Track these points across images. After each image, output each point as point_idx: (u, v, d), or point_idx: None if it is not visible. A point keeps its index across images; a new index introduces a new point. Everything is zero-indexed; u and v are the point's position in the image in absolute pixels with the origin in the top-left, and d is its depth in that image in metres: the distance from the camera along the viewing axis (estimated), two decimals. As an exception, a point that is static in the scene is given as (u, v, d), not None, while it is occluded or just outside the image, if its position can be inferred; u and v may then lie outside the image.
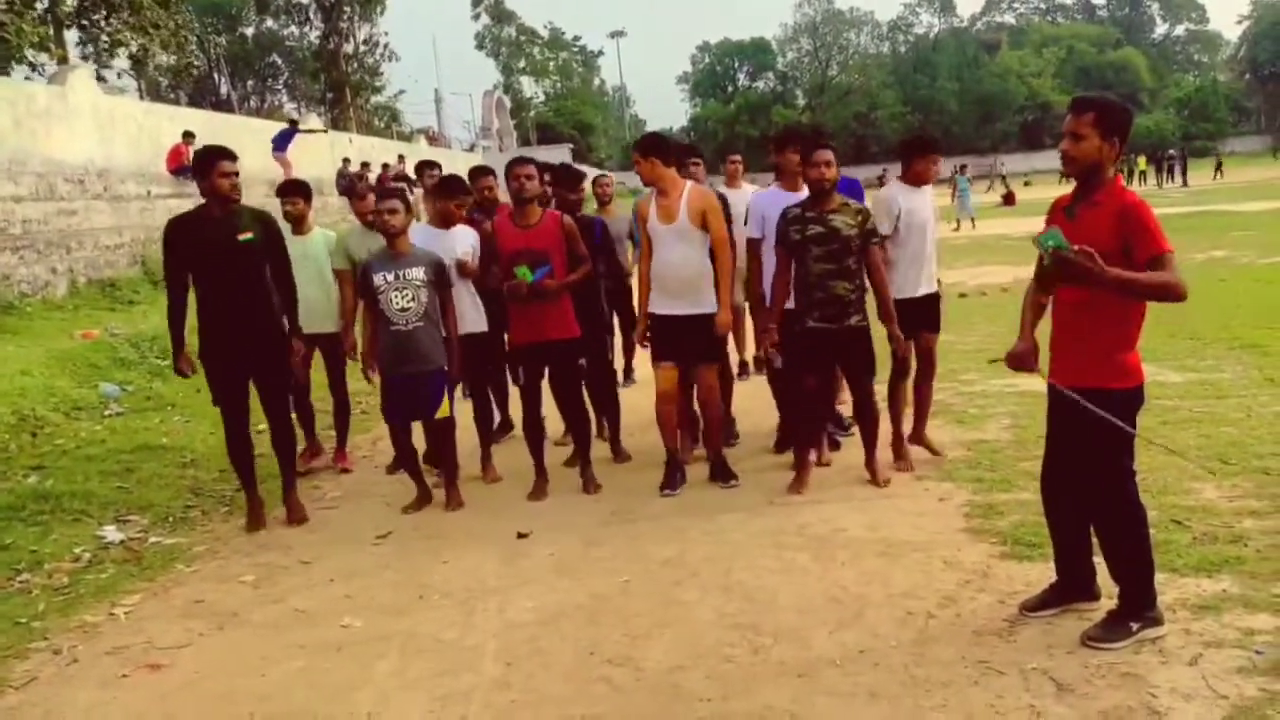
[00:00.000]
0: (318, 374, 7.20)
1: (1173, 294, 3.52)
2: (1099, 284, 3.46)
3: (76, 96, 18.06)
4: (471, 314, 6.42)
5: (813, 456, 6.18)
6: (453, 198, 6.46)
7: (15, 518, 5.86)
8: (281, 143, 23.38)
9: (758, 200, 6.56)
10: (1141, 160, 48.44)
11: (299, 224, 6.91)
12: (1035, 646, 3.78)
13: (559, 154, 42.89)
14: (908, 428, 6.39)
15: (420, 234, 6.38)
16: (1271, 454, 5.79)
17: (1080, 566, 4.03)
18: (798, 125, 63.99)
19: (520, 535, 5.48)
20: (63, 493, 6.21)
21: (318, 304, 6.71)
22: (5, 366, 8.36)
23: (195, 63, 61.17)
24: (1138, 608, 3.78)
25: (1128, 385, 3.67)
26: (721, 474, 6.21)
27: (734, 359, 7.92)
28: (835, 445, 6.77)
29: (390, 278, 5.75)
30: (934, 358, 6.39)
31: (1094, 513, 3.87)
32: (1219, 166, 49.88)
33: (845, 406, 7.17)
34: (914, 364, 6.30)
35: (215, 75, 65.84)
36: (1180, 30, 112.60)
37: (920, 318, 6.18)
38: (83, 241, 13.99)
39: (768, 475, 6.29)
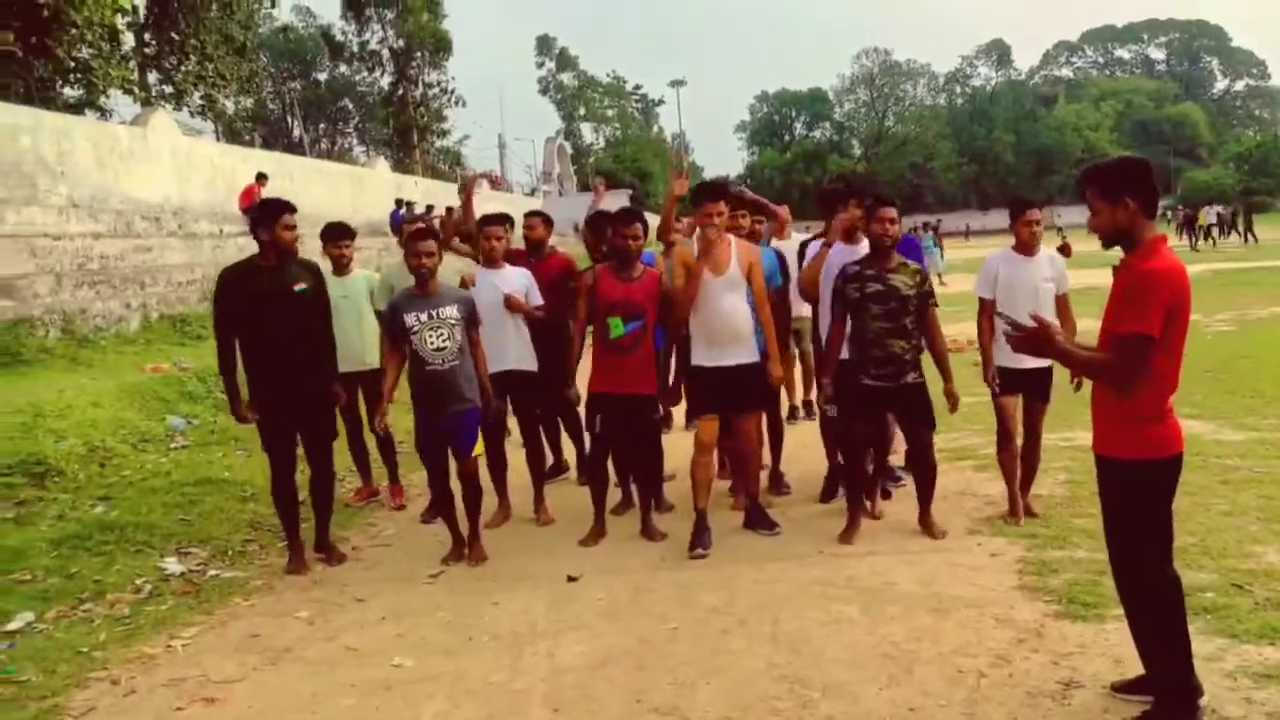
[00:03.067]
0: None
1: (1107, 377, 3.38)
2: (1044, 354, 3.42)
3: (157, 138, 18.60)
4: (523, 352, 6.43)
5: (866, 505, 6.10)
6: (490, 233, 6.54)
7: (81, 547, 5.94)
8: (394, 223, 23.79)
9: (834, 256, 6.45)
10: (1202, 215, 46.07)
11: (343, 267, 7.00)
12: (1091, 712, 3.67)
13: (618, 200, 43.10)
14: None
15: (477, 278, 6.46)
16: (1337, 518, 5.60)
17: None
18: (850, 176, 63.83)
19: (570, 579, 5.45)
20: (127, 523, 6.29)
21: (357, 343, 6.76)
22: (78, 398, 8.53)
23: (268, 107, 63.01)
24: (1172, 708, 3.49)
25: (1154, 457, 3.41)
26: (760, 521, 6.14)
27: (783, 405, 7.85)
28: (887, 495, 6.68)
29: (424, 318, 5.70)
30: (1041, 425, 6.16)
31: (1122, 590, 3.63)
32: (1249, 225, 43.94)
33: (896, 457, 7.07)
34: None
35: (289, 118, 67.42)
36: (1240, 85, 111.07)
37: (1030, 386, 5.98)
38: (156, 277, 14.31)
39: (817, 523, 6.21)
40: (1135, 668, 3.72)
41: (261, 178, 20.04)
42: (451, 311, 5.76)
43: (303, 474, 6.01)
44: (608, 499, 6.34)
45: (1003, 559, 5.39)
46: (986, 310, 5.95)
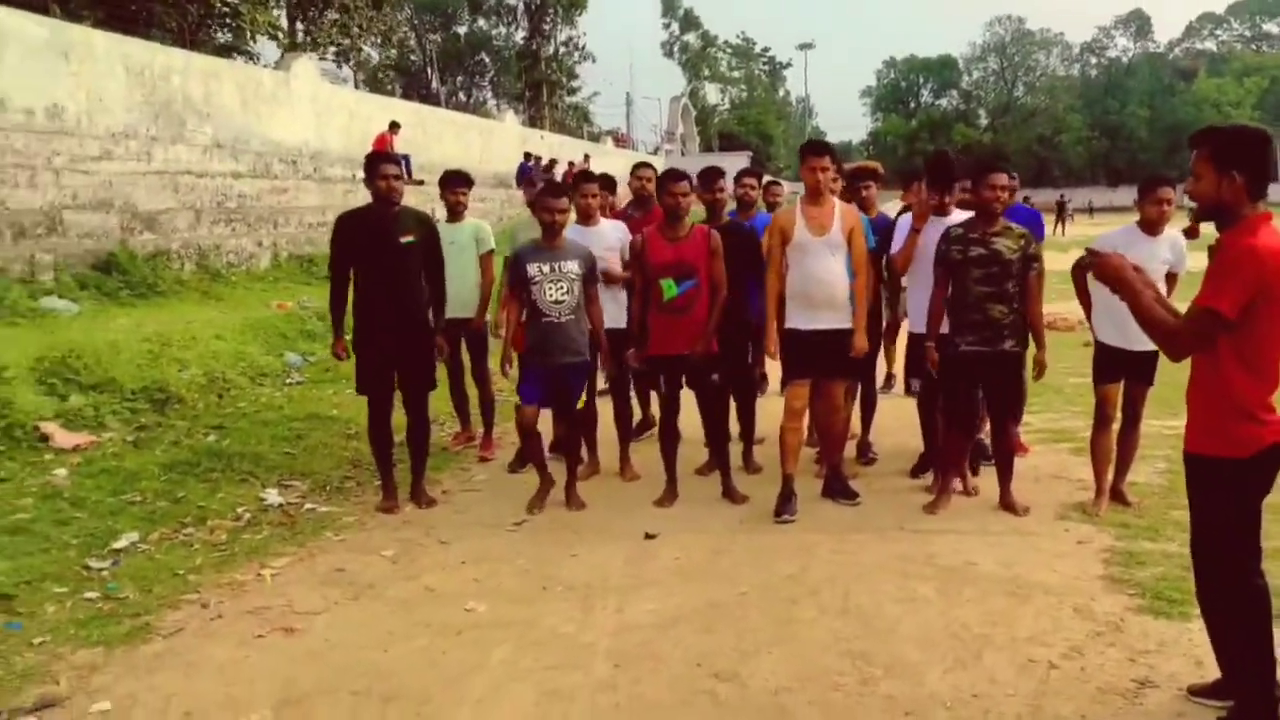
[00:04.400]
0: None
1: (1160, 339, 3.15)
2: (1116, 288, 3.21)
3: (299, 83, 19.02)
4: (612, 309, 6.35)
5: (956, 484, 5.89)
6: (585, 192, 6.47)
7: (190, 473, 6.13)
8: (521, 176, 24.04)
9: (905, 221, 6.24)
10: None
11: (457, 213, 6.98)
12: (1163, 714, 3.44)
13: (739, 160, 42.60)
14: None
15: (569, 231, 6.38)
16: None
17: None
18: (974, 148, 61.65)
19: (648, 536, 5.38)
20: (235, 453, 6.46)
21: (462, 290, 6.72)
22: (204, 330, 8.80)
23: (410, 59, 63.92)
24: (1252, 717, 3.20)
25: (1239, 454, 3.08)
26: (841, 490, 5.97)
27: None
28: (975, 471, 6.41)
29: (546, 269, 5.70)
30: (1141, 410, 5.79)
31: (1203, 596, 3.33)
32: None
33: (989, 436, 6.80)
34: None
35: (428, 70, 68.42)
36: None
37: (1133, 369, 5.62)
38: (289, 218, 14.68)
39: (903, 498, 6.01)
40: (1215, 670, 3.46)
41: (394, 126, 20.34)
42: (573, 266, 5.74)
43: (402, 417, 6.05)
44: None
45: (1089, 547, 5.11)
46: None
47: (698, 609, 4.42)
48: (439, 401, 7.36)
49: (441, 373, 6.45)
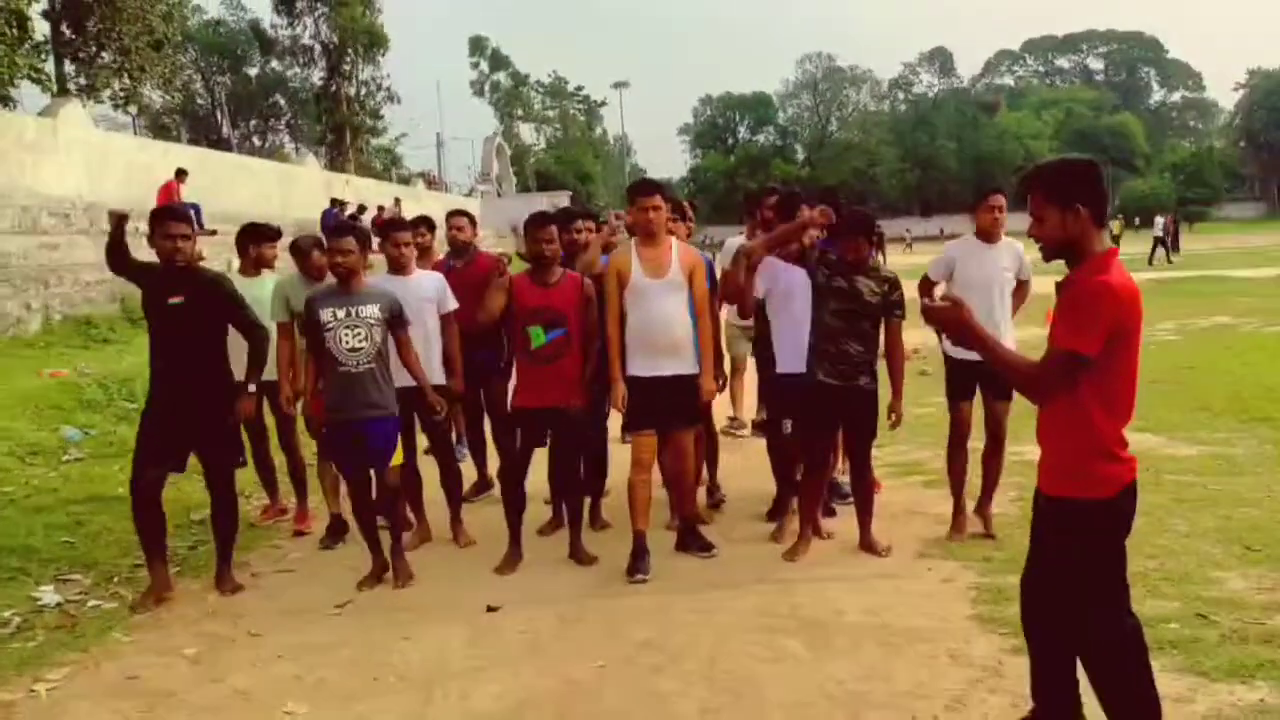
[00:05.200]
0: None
1: (1021, 384, 3.13)
2: (960, 337, 3.18)
3: (67, 130, 17.85)
4: (435, 364, 6.05)
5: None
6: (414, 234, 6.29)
7: (-55, 575, 5.43)
8: (325, 224, 23.17)
9: (768, 261, 6.12)
10: (1116, 225, 45.04)
11: (253, 268, 6.67)
12: (1056, 762, 3.36)
13: (559, 201, 42.86)
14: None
15: (380, 281, 6.08)
16: (1298, 540, 5.40)
17: (1060, 700, 3.37)
18: (793, 183, 64.19)
19: (490, 609, 5.05)
20: (2, 548, 5.77)
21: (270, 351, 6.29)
22: (-41, 407, 7.96)
23: (197, 103, 61.59)
24: None
25: (1102, 495, 3.06)
26: (696, 542, 5.82)
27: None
28: (831, 513, 6.39)
29: (341, 314, 5.35)
30: (1003, 428, 5.89)
31: (1076, 642, 3.25)
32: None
33: (844, 476, 6.81)
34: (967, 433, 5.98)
35: (217, 114, 65.99)
36: (1177, 97, 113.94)
37: (987, 381, 5.70)
38: (62, 277, 13.65)
39: (760, 546, 5.89)
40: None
41: (181, 173, 19.34)
42: (372, 310, 5.40)
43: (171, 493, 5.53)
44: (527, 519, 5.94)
45: (955, 585, 5.11)
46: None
47: (551, 689, 4.14)
48: (244, 472, 6.85)
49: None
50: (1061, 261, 3.13)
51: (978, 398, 5.88)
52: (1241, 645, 4.16)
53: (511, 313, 5.65)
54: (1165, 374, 10.91)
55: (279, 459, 6.80)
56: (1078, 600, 3.15)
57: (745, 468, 7.21)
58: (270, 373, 6.38)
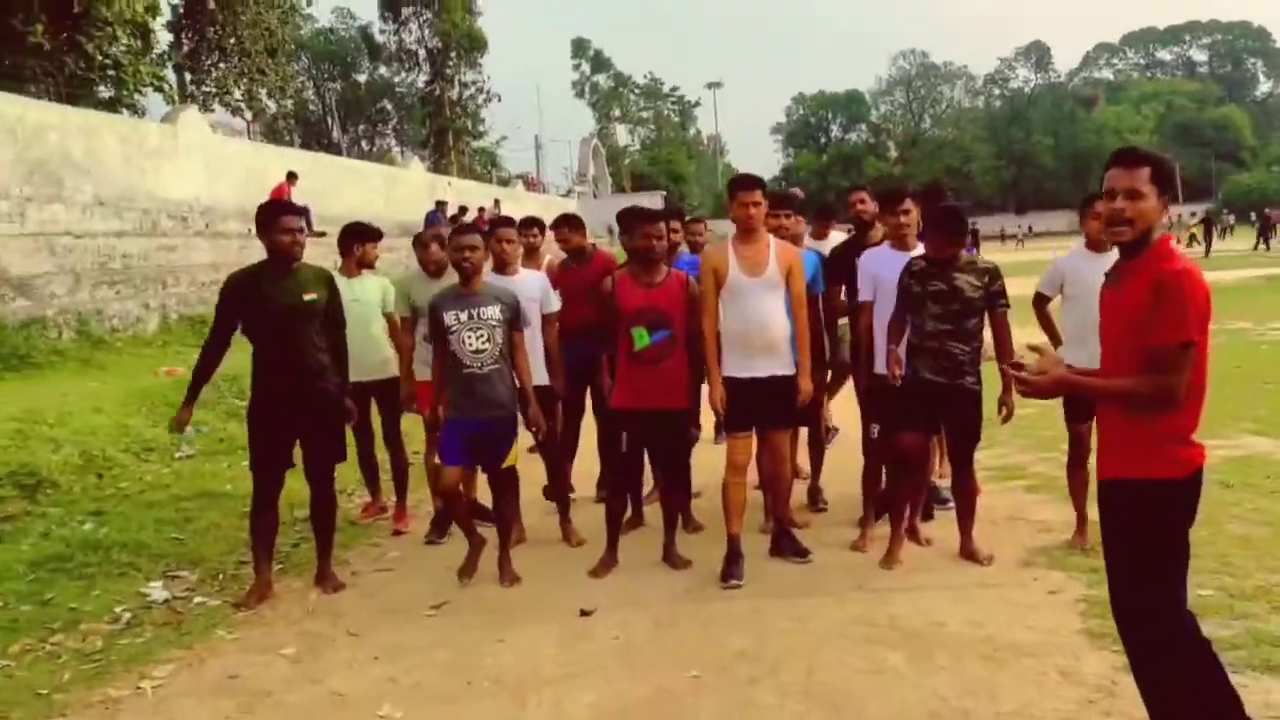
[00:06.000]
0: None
1: (1149, 397, 2.92)
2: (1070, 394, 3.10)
3: (187, 135, 18.33)
4: (537, 364, 5.97)
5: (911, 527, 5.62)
6: (522, 235, 6.18)
7: (61, 569, 5.48)
8: (432, 219, 23.59)
9: (869, 260, 5.86)
10: (1198, 228, 42.91)
11: (355, 268, 6.64)
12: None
13: (653, 201, 42.78)
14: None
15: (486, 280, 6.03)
16: None
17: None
18: (888, 179, 63.18)
19: (584, 613, 4.93)
20: (114, 542, 5.83)
21: (368, 350, 6.32)
22: (80, 404, 8.14)
23: (309, 108, 63.10)
24: None
25: (1177, 475, 2.98)
26: (790, 547, 5.61)
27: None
28: (929, 516, 6.14)
29: (464, 317, 5.30)
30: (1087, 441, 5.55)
31: (1132, 653, 3.10)
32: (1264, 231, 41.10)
33: (942, 480, 6.54)
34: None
35: (328, 119, 67.58)
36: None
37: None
38: (179, 277, 14.00)
39: (856, 553, 5.65)
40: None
41: (292, 176, 19.74)
42: (493, 312, 5.34)
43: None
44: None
45: (1062, 597, 4.81)
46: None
47: (645, 698, 3.99)
48: (346, 469, 6.86)
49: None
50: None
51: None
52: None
53: (615, 313, 5.51)
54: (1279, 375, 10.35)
55: (382, 456, 6.78)
56: (1137, 587, 3.02)
57: (843, 472, 6.97)
58: (379, 371, 6.39)
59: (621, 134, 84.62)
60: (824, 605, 4.89)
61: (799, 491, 6.58)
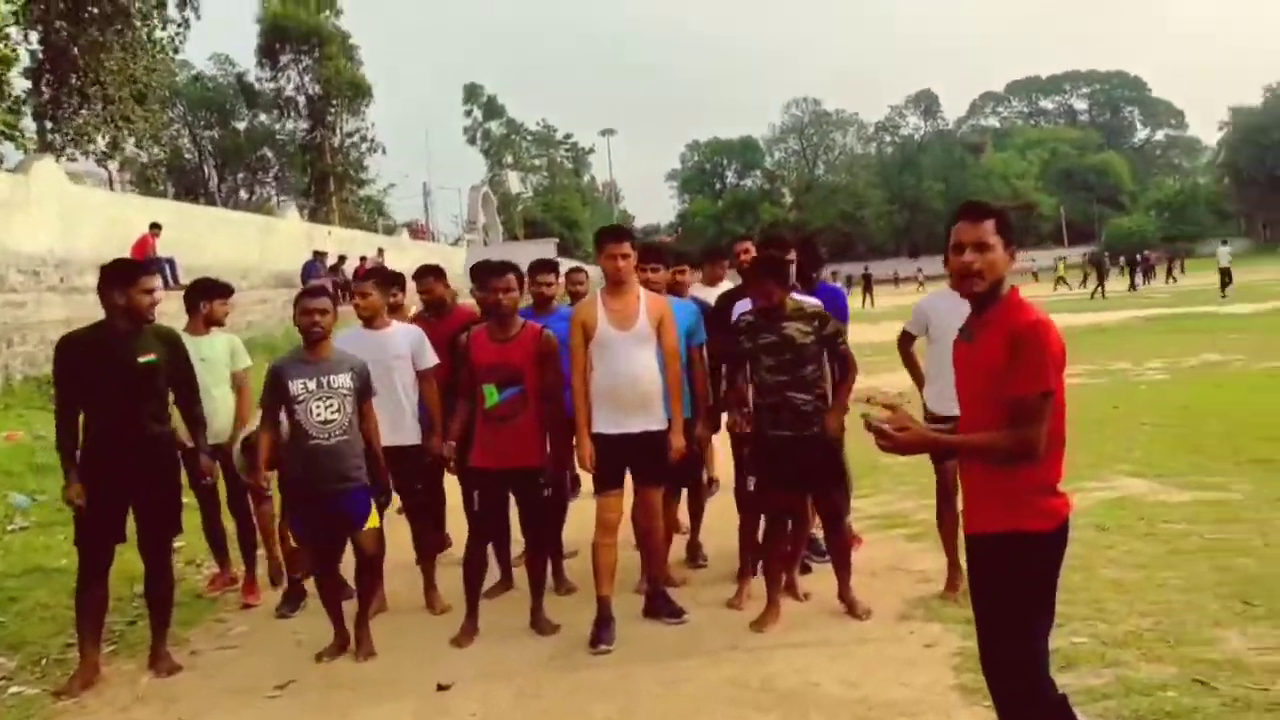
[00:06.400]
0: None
1: (1011, 452, 2.92)
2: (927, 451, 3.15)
3: (40, 185, 17.58)
4: (409, 423, 5.78)
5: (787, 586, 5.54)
6: (384, 291, 5.93)
7: None
8: (307, 275, 23.12)
9: (739, 310, 5.83)
10: (1061, 265, 50.69)
11: (202, 325, 6.39)
12: None
13: (545, 248, 42.81)
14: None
15: (351, 336, 5.86)
16: (1300, 593, 5.10)
17: None
18: (782, 226, 64.54)
19: (441, 687, 4.71)
20: (-75, 628, 5.42)
21: (214, 412, 6.03)
22: (-100, 474, 7.62)
23: (185, 157, 61.59)
24: None
25: (1045, 528, 2.98)
26: (665, 608, 5.49)
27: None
28: (807, 569, 6.09)
29: (312, 385, 5.10)
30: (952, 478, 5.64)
31: (998, 708, 3.12)
32: (1169, 269, 48.66)
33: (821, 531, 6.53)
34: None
35: (204, 167, 66.06)
36: (1160, 135, 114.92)
37: None
38: (26, 335, 13.36)
39: (734, 612, 5.55)
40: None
41: (155, 227, 19.12)
42: (344, 380, 5.15)
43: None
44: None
45: (938, 651, 4.78)
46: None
47: (498, 778, 3.81)
48: (195, 538, 6.55)
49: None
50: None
51: None
52: (1244, 713, 3.86)
53: (469, 369, 5.38)
54: (1156, 415, 10.68)
55: (229, 525, 6.47)
56: (1001, 641, 3.03)
57: (725, 525, 6.89)
58: (222, 434, 6.13)
59: (514, 181, 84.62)
60: (697, 667, 4.78)
61: (678, 546, 6.48)
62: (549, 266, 6.58)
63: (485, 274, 5.46)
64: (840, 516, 5.45)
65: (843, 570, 5.45)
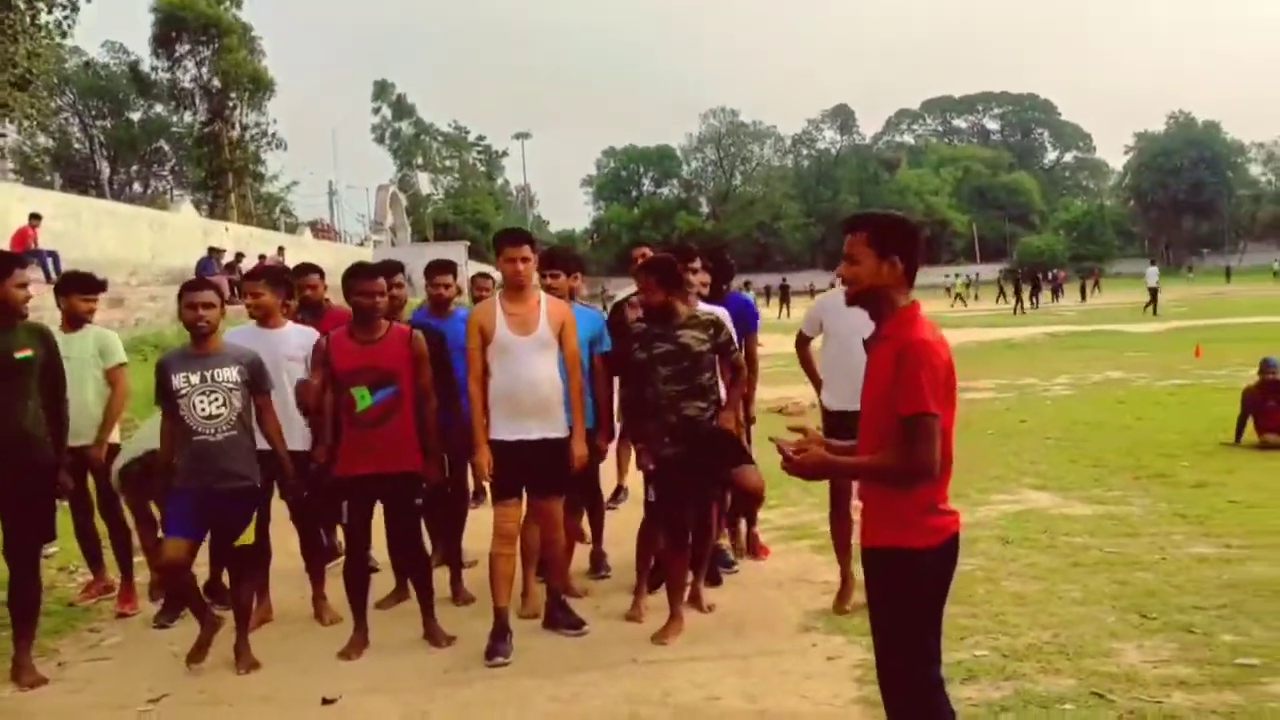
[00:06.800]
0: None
1: (902, 475, 2.95)
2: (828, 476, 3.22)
3: (-92, 172, 16.89)
4: (298, 428, 5.63)
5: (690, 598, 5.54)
6: (273, 291, 5.77)
7: None
8: (201, 272, 22.36)
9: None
10: (960, 284, 52.74)
11: (78, 322, 6.12)
12: None
13: (456, 251, 42.46)
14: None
15: (242, 334, 5.69)
16: (1194, 606, 5.25)
17: None
18: (697, 235, 64.97)
19: (326, 701, 4.59)
20: None
21: (82, 411, 5.78)
22: None
23: (74, 147, 59.76)
24: None
25: (929, 544, 3.02)
26: (564, 620, 5.44)
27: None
28: (716, 581, 6.10)
29: (195, 379, 4.94)
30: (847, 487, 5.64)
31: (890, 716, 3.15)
32: (1083, 287, 51.53)
33: (726, 542, 6.55)
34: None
35: (95, 158, 64.17)
36: (1069, 157, 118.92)
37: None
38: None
39: (635, 624, 5.51)
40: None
41: (35, 218, 18.47)
42: (230, 373, 5.00)
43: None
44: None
45: (841, 663, 4.80)
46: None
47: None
48: (66, 541, 6.29)
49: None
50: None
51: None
52: (1140, 726, 3.95)
53: (330, 375, 5.26)
54: (1061, 430, 10.96)
55: (102, 530, 6.23)
56: (891, 655, 3.09)
57: (628, 536, 6.86)
58: (89, 436, 5.90)
59: (424, 182, 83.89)
60: (595, 681, 4.73)
61: (580, 557, 6.43)
62: (446, 267, 6.50)
63: (356, 277, 5.31)
64: (709, 507, 5.55)
65: (700, 563, 5.61)
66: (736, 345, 5.47)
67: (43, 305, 8.13)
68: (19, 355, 4.92)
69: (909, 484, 2.95)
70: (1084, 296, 49.71)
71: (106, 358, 6.08)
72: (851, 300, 3.16)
